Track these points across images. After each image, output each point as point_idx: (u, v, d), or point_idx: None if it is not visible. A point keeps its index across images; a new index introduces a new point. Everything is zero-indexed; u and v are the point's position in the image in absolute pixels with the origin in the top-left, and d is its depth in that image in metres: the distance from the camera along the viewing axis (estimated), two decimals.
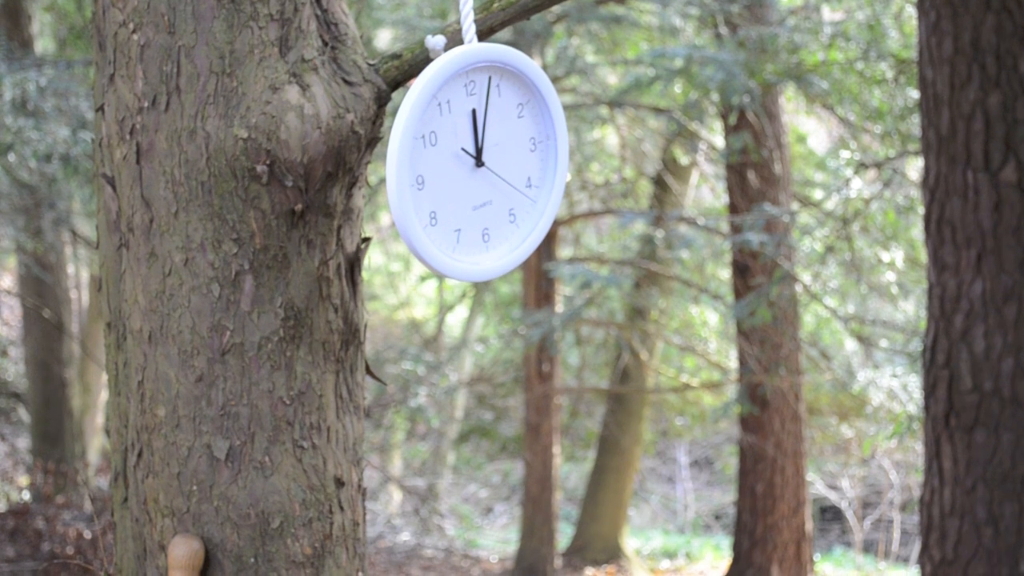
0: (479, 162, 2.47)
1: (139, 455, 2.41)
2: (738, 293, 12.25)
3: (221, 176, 2.30)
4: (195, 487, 2.36)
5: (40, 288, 15.19)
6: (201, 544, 2.35)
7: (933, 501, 5.36)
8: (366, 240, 2.56)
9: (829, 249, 11.56)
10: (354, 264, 2.50)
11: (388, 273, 21.14)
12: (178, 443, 2.37)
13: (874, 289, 12.96)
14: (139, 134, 2.35)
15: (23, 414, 16.58)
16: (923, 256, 11.27)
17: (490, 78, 2.46)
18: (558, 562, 14.75)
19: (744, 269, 12.11)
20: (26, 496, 14.62)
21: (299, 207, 2.33)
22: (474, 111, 2.45)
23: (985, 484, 5.22)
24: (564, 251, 15.73)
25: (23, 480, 15.36)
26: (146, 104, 2.33)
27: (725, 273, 15.39)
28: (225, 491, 2.36)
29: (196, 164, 2.31)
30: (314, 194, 2.34)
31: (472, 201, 2.48)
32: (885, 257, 12.19)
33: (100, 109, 2.42)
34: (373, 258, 20.73)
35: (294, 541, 2.39)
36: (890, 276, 12.69)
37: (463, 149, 2.44)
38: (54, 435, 15.13)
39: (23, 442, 16.59)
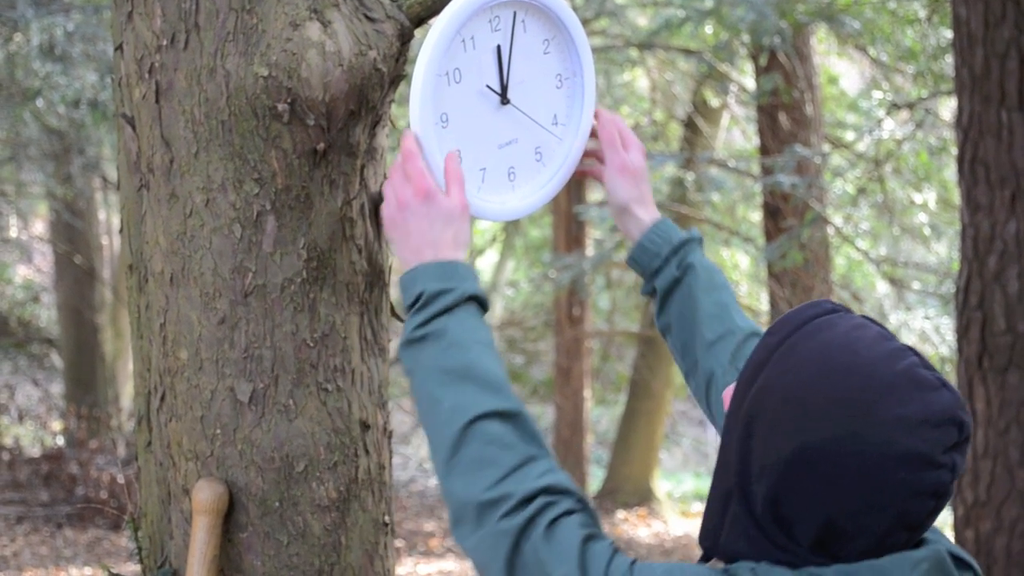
0: (504, 99, 2.43)
1: (162, 398, 2.39)
2: (769, 235, 12.17)
3: (242, 115, 2.26)
4: (219, 430, 2.33)
5: (71, 234, 15.24)
6: (225, 488, 2.32)
7: None
8: None
9: (861, 191, 11.48)
10: (378, 204, 2.47)
11: None
12: (201, 386, 2.34)
13: (906, 231, 12.90)
14: (158, 73, 2.30)
15: (56, 360, 16.68)
16: (956, 197, 11.18)
17: (515, 13, 2.41)
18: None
19: (775, 211, 12.03)
20: (60, 441, 14.72)
21: (321, 146, 2.29)
22: (499, 47, 2.40)
23: (1018, 426, 5.19)
24: (594, 194, 15.68)
25: (57, 425, 15.46)
26: (165, 42, 2.29)
27: (756, 216, 15.33)
28: (249, 434, 2.33)
29: (216, 103, 2.27)
30: (336, 133, 2.30)
31: (498, 139, 2.44)
32: (917, 198, 12.12)
33: (119, 48, 2.38)
34: None
35: (319, 485, 2.37)
36: (922, 218, 12.62)
37: (488, 86, 2.40)
38: (87, 380, 15.22)
39: (56, 387, 16.69)
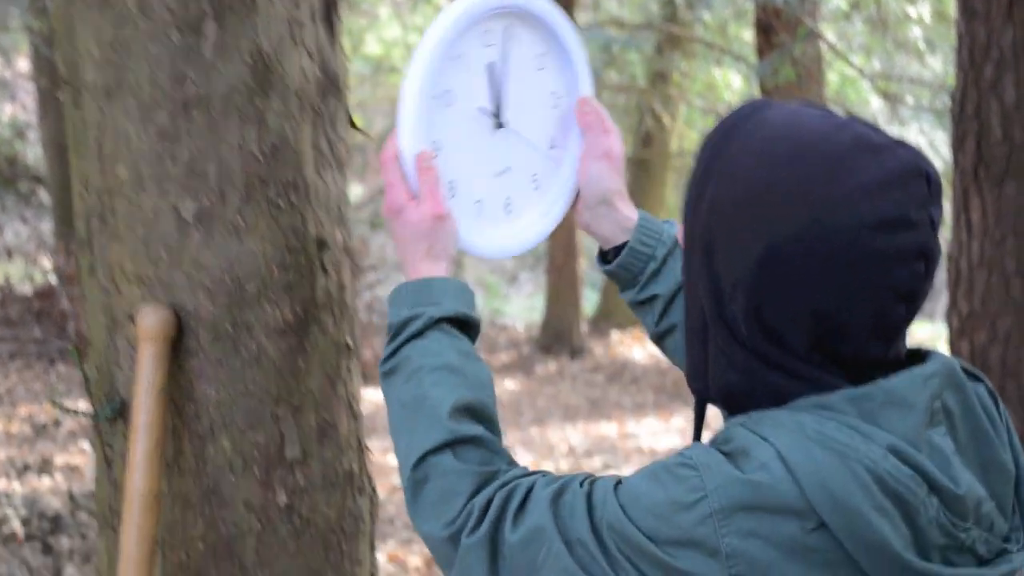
0: (498, 122, 2.15)
1: (101, 219, 2.23)
2: (761, 53, 11.98)
3: None
4: (163, 252, 2.19)
5: (53, 69, 15.02)
6: (172, 313, 2.19)
7: (961, 254, 5.23)
8: None
9: (854, 5, 11.30)
10: (330, 5, 2.30)
11: (406, 46, 20.84)
12: (142, 205, 2.18)
13: (900, 45, 12.73)
14: None
15: (44, 196, 16.58)
16: (951, 10, 10.97)
17: (507, 27, 2.12)
18: (584, 327, 14.82)
19: (767, 28, 11.81)
20: (52, 279, 14.65)
21: None
22: (492, 64, 2.12)
23: (1015, 236, 5.09)
24: (583, 16, 15.39)
25: (47, 262, 15.38)
26: None
27: (748, 35, 15.09)
28: (196, 256, 2.18)
29: None
30: None
31: (492, 167, 2.16)
32: (912, 12, 11.92)
33: None
34: (390, 31, 20.45)
35: (273, 307, 2.23)
36: (917, 32, 12.44)
37: (481, 108, 2.13)
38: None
39: (46, 225, 16.59)
